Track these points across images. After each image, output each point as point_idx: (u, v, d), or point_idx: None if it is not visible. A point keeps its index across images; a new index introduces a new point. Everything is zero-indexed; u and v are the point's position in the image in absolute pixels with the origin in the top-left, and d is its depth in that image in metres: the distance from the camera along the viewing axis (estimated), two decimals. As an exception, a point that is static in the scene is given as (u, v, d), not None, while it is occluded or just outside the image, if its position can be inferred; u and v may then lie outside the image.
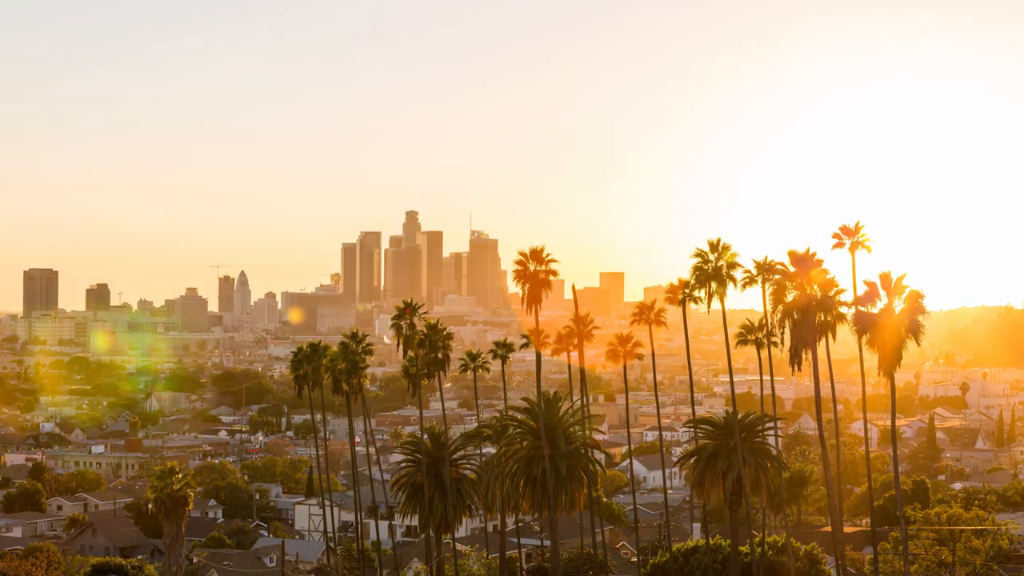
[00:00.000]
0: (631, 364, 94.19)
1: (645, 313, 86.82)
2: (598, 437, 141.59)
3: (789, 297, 75.41)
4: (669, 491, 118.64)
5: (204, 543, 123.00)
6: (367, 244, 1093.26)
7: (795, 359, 75.44)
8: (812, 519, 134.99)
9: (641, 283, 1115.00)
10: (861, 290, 73.62)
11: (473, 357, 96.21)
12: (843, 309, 75.68)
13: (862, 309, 73.27)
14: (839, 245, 73.87)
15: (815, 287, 74.63)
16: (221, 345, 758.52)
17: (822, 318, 75.25)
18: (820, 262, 74.76)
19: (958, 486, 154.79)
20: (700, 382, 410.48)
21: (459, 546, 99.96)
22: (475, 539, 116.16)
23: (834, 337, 76.95)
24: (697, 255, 78.23)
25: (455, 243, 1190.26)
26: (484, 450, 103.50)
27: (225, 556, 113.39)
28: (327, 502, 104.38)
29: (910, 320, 72.30)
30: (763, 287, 77.10)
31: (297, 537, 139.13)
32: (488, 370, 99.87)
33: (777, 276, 75.77)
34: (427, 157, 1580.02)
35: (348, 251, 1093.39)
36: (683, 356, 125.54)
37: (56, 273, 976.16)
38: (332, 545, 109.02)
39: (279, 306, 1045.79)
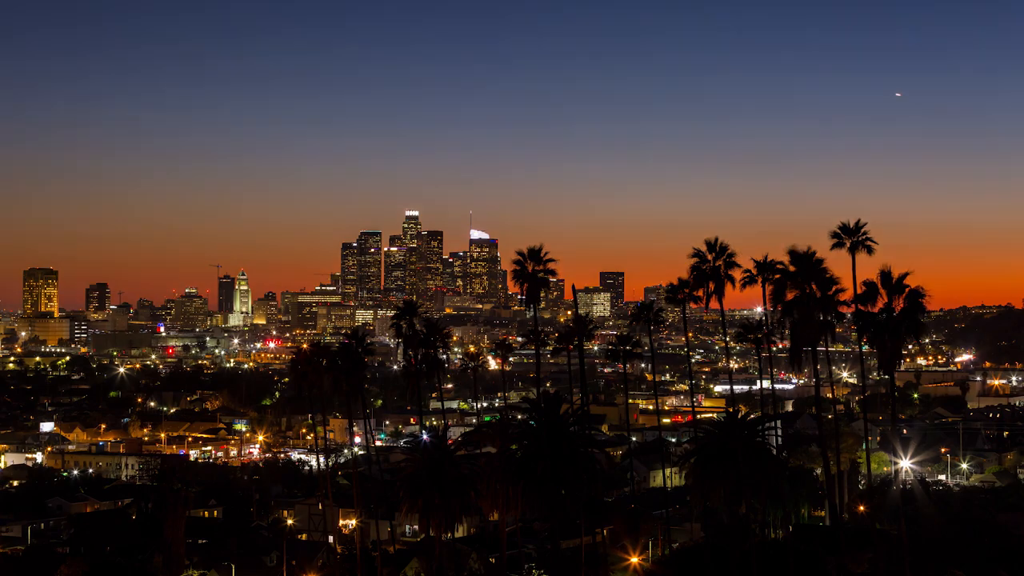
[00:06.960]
0: (631, 363, 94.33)
1: (645, 313, 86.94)
2: (598, 437, 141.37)
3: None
4: (669, 491, 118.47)
5: (204, 543, 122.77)
6: (367, 244, 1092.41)
7: (795, 359, 75.51)
8: (812, 519, 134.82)
9: (641, 283, 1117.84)
10: (861, 290, 73.65)
11: (473, 357, 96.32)
12: (843, 309, 75.72)
13: (862, 309, 73.28)
14: (839, 245, 73.95)
15: (815, 287, 74.68)
16: (221, 345, 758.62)
17: (822, 318, 75.30)
18: (821, 261, 74.84)
19: (959, 486, 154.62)
20: (700, 382, 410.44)
21: (459, 546, 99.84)
22: (475, 539, 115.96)
23: (834, 337, 77.05)
24: (695, 255, 78.38)
25: (455, 243, 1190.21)
26: (484, 450, 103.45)
27: (225, 556, 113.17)
28: (327, 501, 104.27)
29: (910, 320, 72.35)
30: (763, 287, 77.24)
31: (299, 537, 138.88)
32: (488, 369, 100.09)
33: (777, 276, 75.81)
34: (427, 157, 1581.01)
35: (348, 251, 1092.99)
36: (683, 355, 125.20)
37: (56, 273, 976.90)
38: (332, 545, 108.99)
39: (279, 306, 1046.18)
